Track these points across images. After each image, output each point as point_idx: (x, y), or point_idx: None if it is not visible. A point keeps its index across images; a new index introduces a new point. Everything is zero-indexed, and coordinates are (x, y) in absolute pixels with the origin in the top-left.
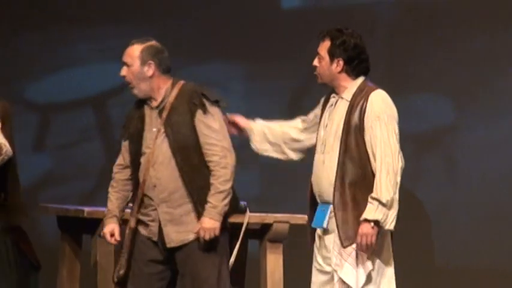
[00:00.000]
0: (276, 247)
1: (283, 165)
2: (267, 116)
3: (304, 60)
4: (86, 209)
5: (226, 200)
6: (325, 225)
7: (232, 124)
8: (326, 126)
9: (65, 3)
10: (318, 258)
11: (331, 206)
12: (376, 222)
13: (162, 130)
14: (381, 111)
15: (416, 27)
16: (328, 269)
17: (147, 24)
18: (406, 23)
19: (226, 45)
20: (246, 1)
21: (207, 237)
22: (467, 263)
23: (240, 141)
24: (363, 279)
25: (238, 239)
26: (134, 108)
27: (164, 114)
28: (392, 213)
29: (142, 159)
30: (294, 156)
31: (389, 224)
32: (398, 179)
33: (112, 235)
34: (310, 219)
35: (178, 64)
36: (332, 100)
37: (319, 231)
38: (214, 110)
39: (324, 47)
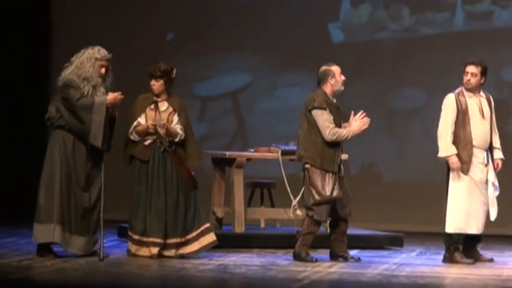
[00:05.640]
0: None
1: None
2: None
3: (345, 73)
4: (227, 152)
5: None
6: (489, 162)
7: None
8: (483, 111)
9: (214, 36)
10: (480, 188)
11: (489, 152)
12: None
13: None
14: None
15: (408, 52)
16: (481, 187)
17: (262, 51)
18: (402, 49)
19: (300, 63)
20: (307, 37)
21: None
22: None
23: None
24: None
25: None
26: (327, 97)
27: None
28: None
29: None
30: None
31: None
32: None
33: None
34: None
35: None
36: (474, 97)
37: (480, 168)
38: None
39: (478, 69)
